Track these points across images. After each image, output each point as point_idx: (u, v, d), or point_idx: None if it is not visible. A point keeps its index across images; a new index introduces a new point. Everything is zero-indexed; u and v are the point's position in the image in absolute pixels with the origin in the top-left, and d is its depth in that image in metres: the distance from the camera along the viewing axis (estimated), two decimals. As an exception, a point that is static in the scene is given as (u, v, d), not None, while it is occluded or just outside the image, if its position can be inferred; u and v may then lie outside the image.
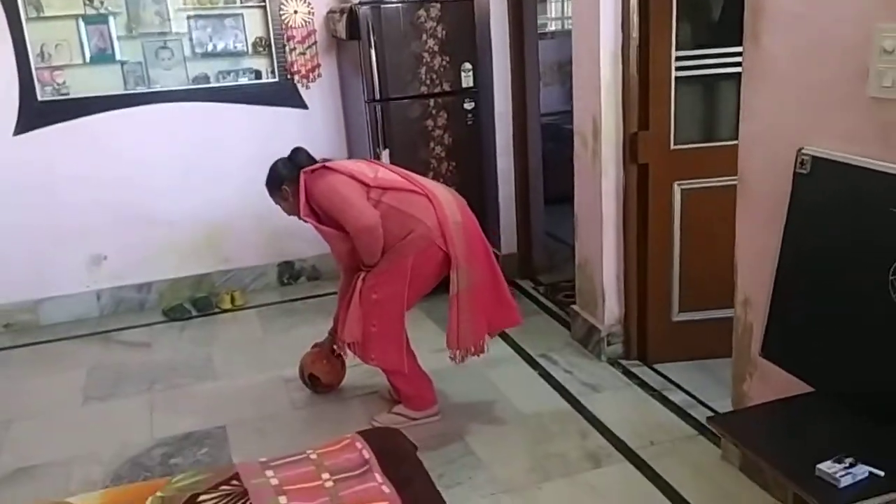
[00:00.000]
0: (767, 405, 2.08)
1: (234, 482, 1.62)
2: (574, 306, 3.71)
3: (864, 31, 1.87)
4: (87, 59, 4.25)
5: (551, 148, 4.85)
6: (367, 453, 1.68)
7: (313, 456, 1.71)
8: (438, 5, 4.04)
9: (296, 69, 4.52)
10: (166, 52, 4.39)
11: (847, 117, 1.97)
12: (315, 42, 4.54)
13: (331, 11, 4.40)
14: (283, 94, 4.56)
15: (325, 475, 1.62)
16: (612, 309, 3.44)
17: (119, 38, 4.28)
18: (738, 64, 2.44)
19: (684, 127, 3.21)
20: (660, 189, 3.26)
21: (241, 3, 4.44)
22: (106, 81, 4.29)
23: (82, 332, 4.22)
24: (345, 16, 4.04)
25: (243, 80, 4.50)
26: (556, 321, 3.97)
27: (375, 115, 4.07)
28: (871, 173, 1.88)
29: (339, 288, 3.11)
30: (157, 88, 4.36)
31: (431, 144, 4.18)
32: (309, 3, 4.46)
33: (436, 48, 4.08)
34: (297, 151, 3.02)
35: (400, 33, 3.98)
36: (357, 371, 3.33)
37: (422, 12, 4.02)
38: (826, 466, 1.68)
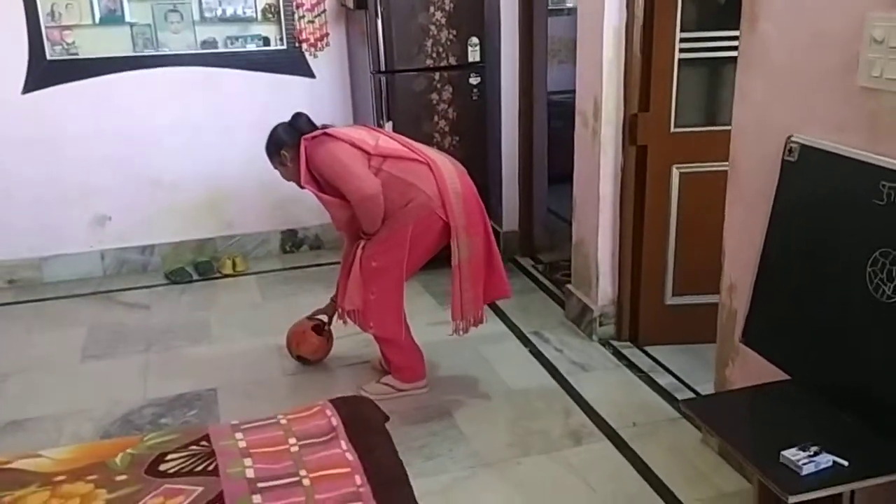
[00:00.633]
0: (742, 391, 2.10)
1: (204, 443, 1.66)
2: (569, 286, 3.71)
3: (856, 19, 1.84)
4: (97, 20, 4.26)
5: (559, 126, 4.80)
6: (335, 421, 1.71)
7: (283, 421, 1.74)
8: (447, -23, 4.01)
9: (304, 37, 4.51)
10: (175, 16, 4.39)
11: (837, 106, 1.95)
12: (324, 10, 4.53)
13: (340, -21, 4.39)
14: (291, 61, 4.55)
15: (292, 440, 1.66)
16: (605, 290, 3.45)
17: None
18: (740, 48, 2.41)
19: (686, 110, 3.19)
20: (658, 172, 3.24)
21: (252, -32, 4.43)
22: (115, 43, 4.30)
23: (85, 291, 4.28)
24: (353, -16, 4.03)
25: (251, 47, 4.50)
26: (553, 300, 3.98)
27: (380, 87, 4.06)
28: (856, 164, 1.86)
29: (343, 256, 3.13)
30: (166, 52, 4.37)
31: (435, 118, 4.17)
32: (318, -28, 4.45)
33: (443, 21, 4.06)
34: (298, 116, 3.02)
35: (407, 4, 3.96)
36: (349, 341, 3.37)
37: (429, -17, 4.00)
38: (790, 454, 1.68)
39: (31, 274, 4.39)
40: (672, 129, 3.19)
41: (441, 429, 2.83)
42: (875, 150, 1.82)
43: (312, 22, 4.52)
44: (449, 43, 4.10)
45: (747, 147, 2.33)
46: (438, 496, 2.42)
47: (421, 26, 4.03)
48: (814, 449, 1.69)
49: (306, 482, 1.55)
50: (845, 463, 1.67)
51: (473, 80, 4.19)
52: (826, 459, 1.67)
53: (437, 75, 4.12)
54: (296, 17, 4.48)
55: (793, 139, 2.07)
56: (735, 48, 2.96)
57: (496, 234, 4.57)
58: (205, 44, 4.45)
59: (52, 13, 4.17)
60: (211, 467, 1.57)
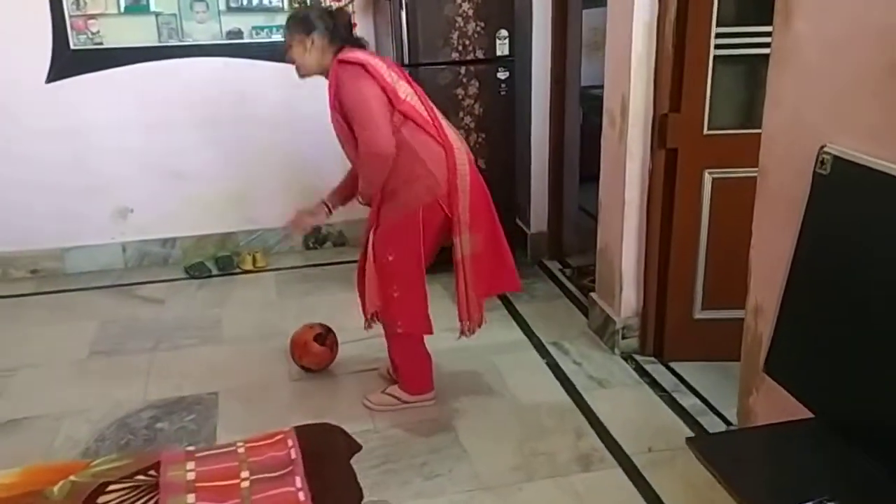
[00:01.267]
0: (759, 430, 1.90)
1: (152, 472, 1.54)
2: (593, 294, 3.52)
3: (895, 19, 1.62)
4: (122, 9, 4.20)
5: (596, 121, 4.59)
6: (294, 453, 1.56)
7: (241, 450, 1.61)
8: (475, -34, 3.83)
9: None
10: (201, 5, 4.31)
11: (875, 114, 1.72)
12: (352, 0, 4.39)
13: (367, -32, 4.24)
14: (317, 53, 4.42)
15: (245, 473, 1.52)
16: (629, 300, 3.24)
17: (154, -12, 4.23)
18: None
19: (720, 110, 2.96)
20: (689, 176, 3.02)
21: (279, -44, 4.32)
22: (139, 32, 4.24)
23: (104, 283, 4.25)
24: (378, -26, 3.88)
25: (277, 37, 4.39)
26: (577, 307, 3.79)
27: (404, 81, 3.90)
28: (893, 179, 1.64)
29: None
30: (190, 42, 4.29)
31: (461, 114, 3.99)
32: (346, -40, 4.31)
33: (470, 12, 3.88)
34: (341, 14, 2.78)
35: (433, -5, 3.79)
36: (356, 346, 3.25)
37: (456, -28, 3.82)
38: (803, 510, 1.49)
39: (53, 264, 4.37)
40: (705, 131, 2.97)
41: (443, 445, 2.68)
42: (916, 166, 1.60)
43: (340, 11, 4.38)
44: (476, 35, 3.92)
45: (778, 156, 2.11)
46: (431, 521, 2.28)
47: (447, 18, 3.85)
48: (830, 505, 1.49)
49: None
50: (866, 523, 1.47)
51: (501, 75, 4.00)
52: (843, 518, 1.47)
53: (463, 69, 3.94)
54: (323, 6, 4.35)
55: (825, 150, 1.84)
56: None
57: (523, 235, 4.43)
58: (230, 34, 4.36)
59: (77, 2, 4.12)
60: (151, 503, 1.44)
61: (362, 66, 2.61)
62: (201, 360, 3.34)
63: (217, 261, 4.43)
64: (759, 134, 2.83)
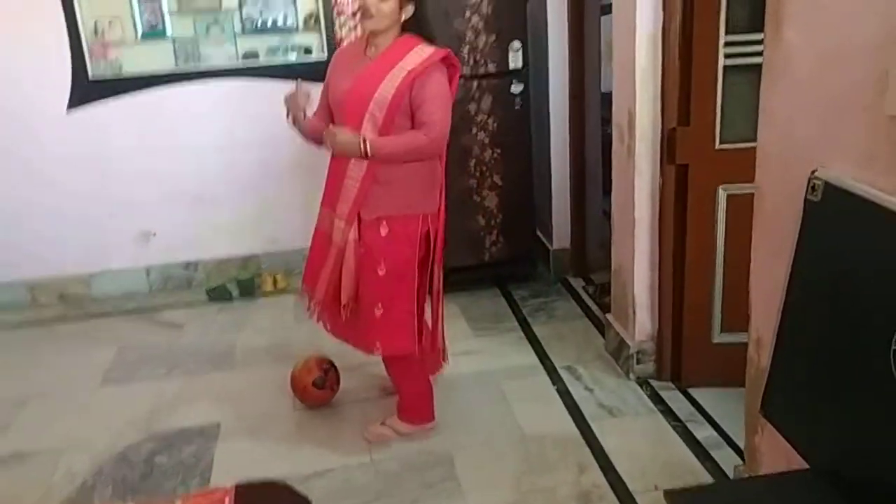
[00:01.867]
0: (747, 482, 1.76)
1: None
2: (609, 315, 3.37)
3: (884, 28, 1.46)
4: (139, 36, 4.25)
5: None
6: (229, 513, 1.50)
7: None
8: (484, -22, 3.72)
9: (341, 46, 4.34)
10: (217, 29, 4.32)
11: (864, 136, 1.56)
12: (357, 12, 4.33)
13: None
14: (332, 71, 4.39)
15: (177, 533, 1.47)
16: (643, 323, 3.09)
17: (171, 13, 4.26)
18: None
19: (732, 123, 2.79)
20: (701, 193, 2.86)
21: (292, -24, 4.30)
22: (157, 58, 4.28)
23: (128, 307, 4.29)
24: (386, -10, 3.80)
25: (292, 57, 4.37)
26: (596, 328, 3.64)
27: (415, 98, 3.82)
28: (886, 214, 1.47)
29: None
30: (208, 66, 4.31)
31: (474, 130, 3.89)
32: (360, -24, 4.25)
33: (480, 26, 3.77)
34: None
35: (441, 10, 3.68)
36: (363, 372, 3.18)
37: (465, -15, 3.72)
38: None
39: (79, 290, 4.44)
40: (717, 146, 2.80)
41: (438, 479, 2.58)
42: (905, 196, 1.43)
43: (354, 29, 4.34)
44: (488, 49, 3.81)
45: (772, 178, 1.96)
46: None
47: (457, 32, 3.76)
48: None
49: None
50: None
51: (515, 88, 3.89)
52: None
53: (475, 83, 3.84)
54: (336, 24, 4.31)
55: (817, 174, 1.69)
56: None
57: (546, 251, 4.30)
58: (246, 56, 4.36)
59: (96, 30, 4.18)
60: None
61: (453, 66, 2.61)
62: (210, 388, 3.32)
63: (239, 283, 4.42)
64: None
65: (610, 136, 4.14)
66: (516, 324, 3.71)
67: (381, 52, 2.55)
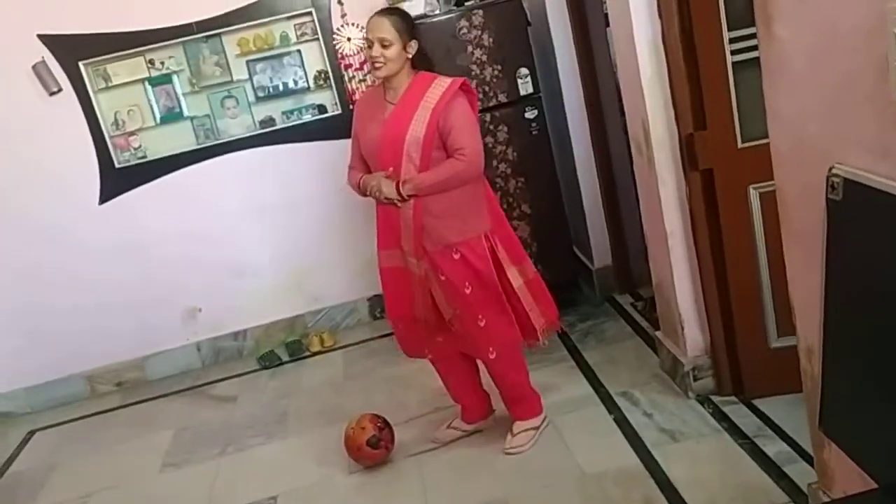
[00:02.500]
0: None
1: None
2: (658, 333, 3.24)
3: (876, 12, 1.35)
4: (158, 120, 4.33)
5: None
6: None
7: None
8: (480, 11, 3.68)
9: (357, 98, 4.34)
10: (231, 101, 4.38)
11: (874, 126, 1.45)
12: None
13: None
14: (349, 125, 4.38)
15: None
16: (694, 338, 2.95)
17: (184, 94, 4.34)
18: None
19: (752, 119, 2.64)
20: (731, 196, 2.73)
21: (297, 39, 4.33)
22: (178, 139, 4.35)
23: (183, 385, 4.33)
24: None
25: (307, 117, 4.39)
26: (649, 346, 3.50)
27: (431, 140, 3.79)
28: (902, 202, 1.36)
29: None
30: (227, 139, 4.36)
31: (494, 162, 3.83)
32: (362, 29, 4.25)
33: (484, 58, 3.73)
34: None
35: (442, 50, 3.65)
36: (419, 423, 3.18)
37: (463, 23, 3.69)
38: None
39: (135, 374, 4.50)
40: (740, 145, 2.68)
41: (499, 532, 2.50)
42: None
43: (364, 81, 4.35)
44: (495, 80, 3.77)
45: (790, 178, 1.85)
46: None
47: (462, 68, 3.71)
48: None
49: None
50: None
51: (530, 114, 3.82)
52: None
53: (488, 116, 3.79)
54: (345, 79, 4.33)
55: (835, 171, 1.57)
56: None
57: (588, 272, 4.19)
58: (263, 122, 4.40)
59: (116, 122, 4.28)
60: None
61: (472, 94, 2.77)
62: (265, 461, 3.30)
63: (287, 346, 4.43)
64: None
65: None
66: (566, 352, 3.60)
67: (400, 94, 2.67)
